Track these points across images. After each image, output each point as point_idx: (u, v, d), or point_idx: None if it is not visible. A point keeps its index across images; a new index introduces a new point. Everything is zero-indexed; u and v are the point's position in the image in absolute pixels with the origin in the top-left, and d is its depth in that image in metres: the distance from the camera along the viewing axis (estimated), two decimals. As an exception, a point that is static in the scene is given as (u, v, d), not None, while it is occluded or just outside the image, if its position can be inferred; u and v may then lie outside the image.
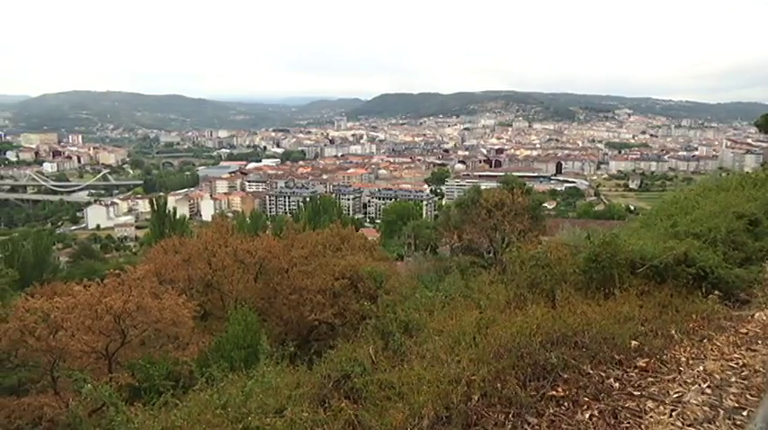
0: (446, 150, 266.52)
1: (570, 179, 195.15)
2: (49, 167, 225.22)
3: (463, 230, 28.07)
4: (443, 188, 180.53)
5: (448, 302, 8.64)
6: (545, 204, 59.81)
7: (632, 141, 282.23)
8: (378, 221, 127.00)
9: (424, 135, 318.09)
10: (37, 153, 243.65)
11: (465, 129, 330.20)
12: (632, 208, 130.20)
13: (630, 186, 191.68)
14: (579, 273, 8.62)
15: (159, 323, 13.47)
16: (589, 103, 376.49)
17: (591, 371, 5.15)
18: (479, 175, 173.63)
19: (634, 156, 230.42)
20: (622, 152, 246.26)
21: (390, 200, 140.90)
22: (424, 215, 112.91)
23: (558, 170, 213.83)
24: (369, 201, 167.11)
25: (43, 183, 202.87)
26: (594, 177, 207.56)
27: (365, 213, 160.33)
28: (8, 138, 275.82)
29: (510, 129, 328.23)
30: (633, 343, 5.74)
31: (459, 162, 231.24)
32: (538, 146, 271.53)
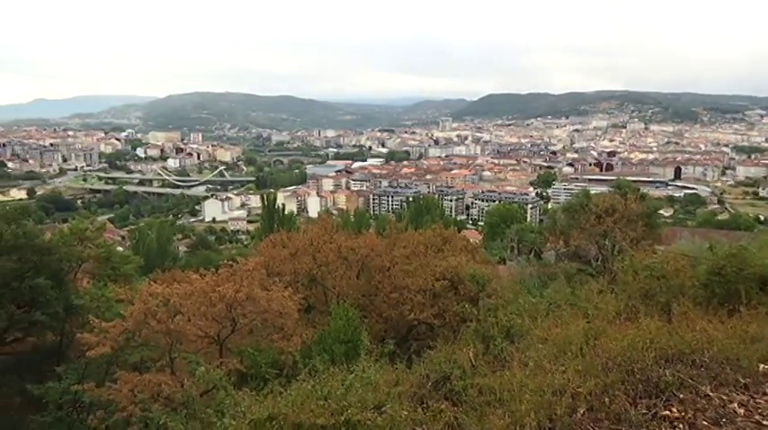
0: (554, 152, 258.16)
1: (690, 185, 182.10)
2: (172, 163, 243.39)
3: (570, 236, 26.94)
4: (550, 191, 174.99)
5: (553, 310, 8.36)
6: (661, 211, 56.22)
7: (765, 145, 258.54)
8: (480, 223, 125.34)
9: (531, 136, 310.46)
10: (162, 150, 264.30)
11: (575, 130, 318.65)
12: (762, 218, 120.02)
13: (761, 194, 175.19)
14: (699, 287, 8.07)
15: (267, 313, 14.06)
16: (715, 104, 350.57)
17: (711, 394, 4.76)
18: (589, 179, 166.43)
19: (766, 161, 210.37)
20: (752, 157, 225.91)
21: (494, 202, 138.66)
22: (529, 219, 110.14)
23: (677, 175, 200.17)
24: (472, 203, 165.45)
25: (167, 177, 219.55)
26: (718, 184, 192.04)
27: (468, 215, 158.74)
28: (138, 135, 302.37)
29: (624, 131, 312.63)
30: (762, 367, 5.24)
31: (568, 165, 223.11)
32: (654, 149, 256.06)
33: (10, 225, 18.55)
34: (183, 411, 9.02)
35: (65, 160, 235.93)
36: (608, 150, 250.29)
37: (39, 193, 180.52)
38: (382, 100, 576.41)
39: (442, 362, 5.87)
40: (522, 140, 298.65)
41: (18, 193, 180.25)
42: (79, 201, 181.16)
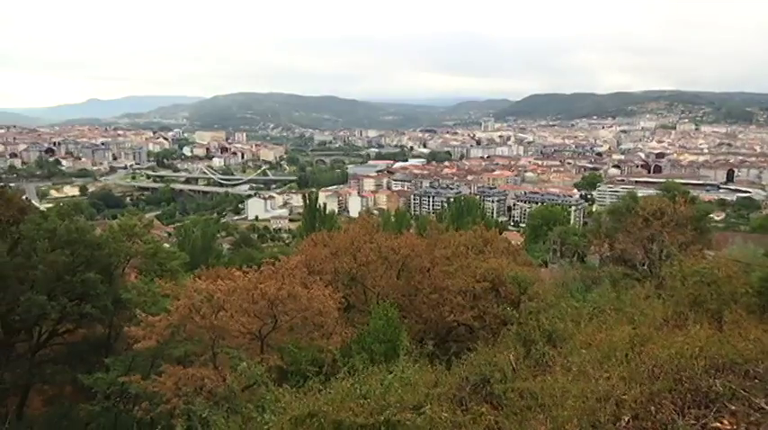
0: (599, 154, 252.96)
1: (744, 188, 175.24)
2: (217, 162, 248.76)
3: (615, 239, 26.33)
4: (594, 193, 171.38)
5: (597, 315, 8.17)
6: (712, 215, 54.18)
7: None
8: (522, 225, 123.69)
9: (576, 137, 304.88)
10: (208, 149, 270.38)
11: (621, 131, 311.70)
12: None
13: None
14: (753, 295, 7.75)
15: (307, 311, 14.20)
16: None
17: (766, 407, 4.57)
18: (636, 181, 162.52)
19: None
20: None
21: (536, 203, 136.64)
22: (572, 221, 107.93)
23: (730, 178, 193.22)
24: (514, 204, 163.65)
25: (212, 176, 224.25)
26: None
27: (510, 216, 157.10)
28: (185, 135, 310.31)
29: (673, 131, 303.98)
30: (820, 379, 4.99)
31: (614, 166, 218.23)
32: (705, 150, 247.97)
33: (64, 220, 19.30)
34: (224, 405, 9.20)
35: (115, 158, 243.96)
36: (656, 152, 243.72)
37: (90, 190, 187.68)
38: (424, 100, 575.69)
39: (481, 365, 5.82)
40: (567, 141, 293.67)
41: (71, 190, 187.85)
42: (128, 199, 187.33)
